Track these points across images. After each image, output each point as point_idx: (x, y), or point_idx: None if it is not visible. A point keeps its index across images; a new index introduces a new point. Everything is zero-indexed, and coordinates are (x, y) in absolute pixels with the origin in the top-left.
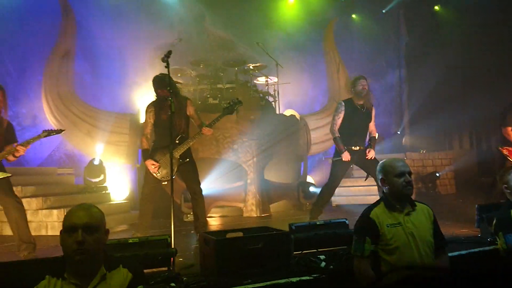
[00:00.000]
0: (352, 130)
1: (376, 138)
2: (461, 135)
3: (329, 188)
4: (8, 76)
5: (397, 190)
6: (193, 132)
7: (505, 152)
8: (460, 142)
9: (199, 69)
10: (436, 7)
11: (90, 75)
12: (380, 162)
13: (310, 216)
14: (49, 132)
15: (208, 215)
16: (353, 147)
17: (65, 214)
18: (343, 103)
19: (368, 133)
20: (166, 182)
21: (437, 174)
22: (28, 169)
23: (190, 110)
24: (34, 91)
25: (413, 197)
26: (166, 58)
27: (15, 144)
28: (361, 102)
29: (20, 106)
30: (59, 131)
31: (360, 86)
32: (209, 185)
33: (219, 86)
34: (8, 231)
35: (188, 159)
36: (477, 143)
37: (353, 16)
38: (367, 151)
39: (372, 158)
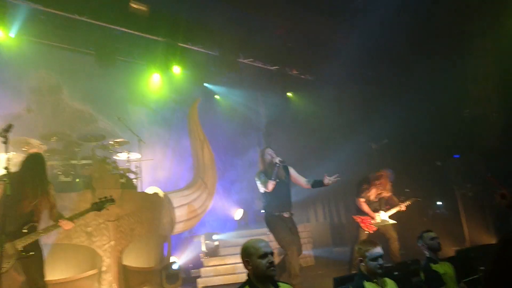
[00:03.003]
0: (277, 199)
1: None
2: (315, 208)
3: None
4: None
5: (261, 272)
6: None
7: (358, 220)
8: (315, 215)
9: (50, 143)
10: (289, 94)
11: None
12: (243, 243)
13: None
14: None
15: None
16: (284, 214)
17: None
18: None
19: (303, 186)
20: None
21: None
22: None
23: (50, 197)
24: None
25: None
26: (4, 133)
27: None
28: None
29: None
30: None
31: (269, 156)
32: (55, 276)
33: (73, 162)
34: None
35: (33, 253)
36: (330, 215)
37: (216, 97)
38: (324, 177)
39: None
